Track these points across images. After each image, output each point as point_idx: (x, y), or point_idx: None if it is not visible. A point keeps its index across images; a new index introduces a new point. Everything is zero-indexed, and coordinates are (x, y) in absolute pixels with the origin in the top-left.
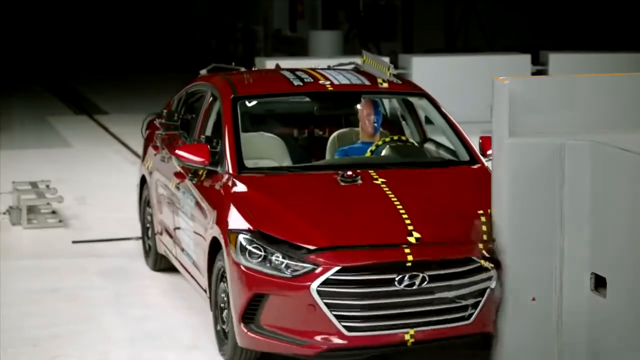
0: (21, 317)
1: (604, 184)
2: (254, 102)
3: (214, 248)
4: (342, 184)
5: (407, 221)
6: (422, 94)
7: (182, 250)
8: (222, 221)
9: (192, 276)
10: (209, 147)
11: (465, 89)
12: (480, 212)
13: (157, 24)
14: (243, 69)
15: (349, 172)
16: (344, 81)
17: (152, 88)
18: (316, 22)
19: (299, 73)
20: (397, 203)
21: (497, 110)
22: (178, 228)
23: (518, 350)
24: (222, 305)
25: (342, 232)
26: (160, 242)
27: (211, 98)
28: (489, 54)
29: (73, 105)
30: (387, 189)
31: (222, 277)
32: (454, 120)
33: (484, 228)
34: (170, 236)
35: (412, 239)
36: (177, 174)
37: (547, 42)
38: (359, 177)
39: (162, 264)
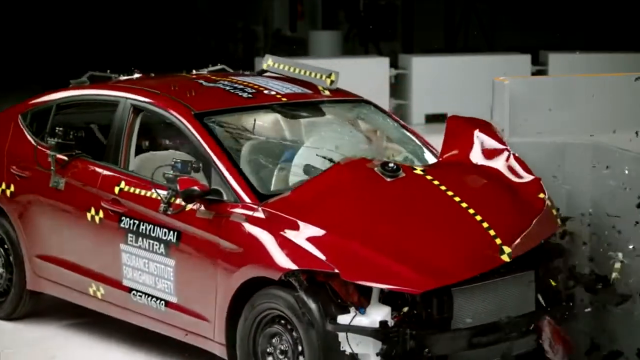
0: None
1: (603, 184)
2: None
3: (241, 293)
4: (388, 179)
5: (491, 232)
6: (365, 101)
7: (134, 292)
8: (266, 261)
9: (164, 322)
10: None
11: (465, 89)
12: (541, 195)
13: (157, 23)
14: (123, 77)
15: (391, 164)
16: (287, 90)
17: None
18: (316, 22)
19: (226, 82)
20: (465, 205)
21: (497, 110)
22: (119, 265)
23: None
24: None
25: (437, 263)
26: (48, 281)
27: (133, 115)
28: (489, 54)
29: None
30: (437, 182)
31: (264, 326)
32: (406, 125)
33: (554, 212)
34: (82, 274)
35: (505, 257)
36: (115, 203)
37: (547, 42)
38: (400, 168)
39: (27, 307)
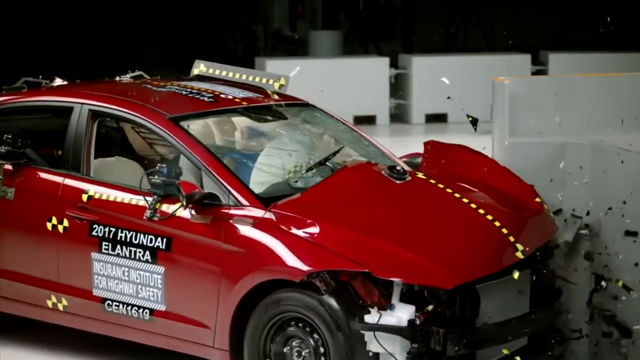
0: None
1: (603, 184)
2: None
3: (248, 299)
4: (397, 181)
5: (504, 230)
6: (311, 105)
7: (108, 302)
8: (284, 263)
9: (147, 331)
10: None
11: (465, 89)
12: (537, 199)
13: (157, 22)
14: (59, 82)
15: (398, 167)
16: (242, 95)
17: None
18: (316, 22)
19: (175, 87)
20: (474, 205)
21: (497, 110)
22: (92, 274)
23: None
24: None
25: (460, 260)
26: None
27: (92, 121)
28: (489, 54)
29: None
30: (442, 185)
31: (277, 329)
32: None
33: (551, 215)
34: (39, 285)
35: (519, 254)
36: (83, 210)
37: (547, 42)
38: (407, 172)
39: None
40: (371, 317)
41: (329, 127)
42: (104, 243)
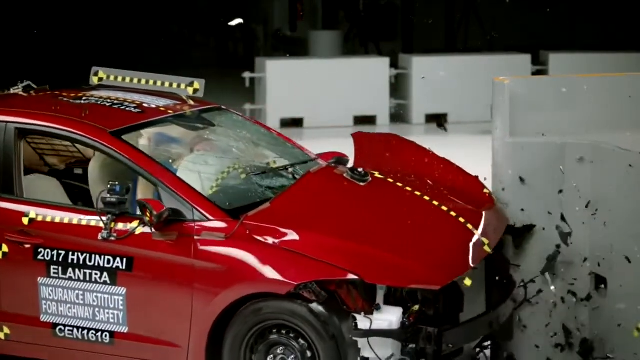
0: None
1: (603, 184)
2: None
3: (222, 317)
4: (361, 183)
5: (469, 226)
6: (222, 108)
7: (60, 327)
8: (266, 276)
9: (107, 354)
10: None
11: (465, 89)
12: (485, 191)
13: (156, 22)
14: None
15: (359, 169)
16: (163, 103)
17: None
18: (316, 22)
19: (94, 99)
20: (437, 203)
21: (497, 110)
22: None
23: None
24: None
25: (440, 259)
26: None
27: (18, 140)
28: (489, 54)
29: None
30: (400, 184)
31: (255, 343)
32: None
33: (495, 197)
34: None
35: (487, 248)
36: (24, 235)
37: (547, 42)
38: (368, 173)
39: None
40: (364, 323)
41: (251, 130)
42: (52, 267)
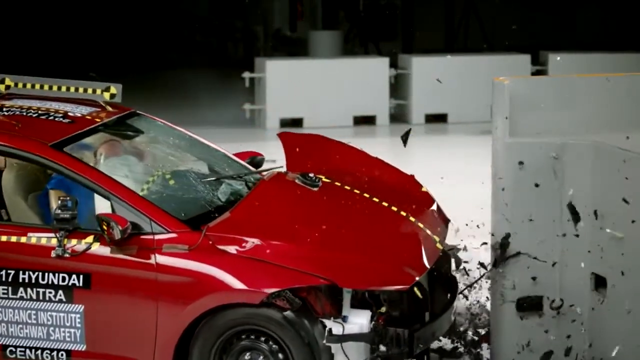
0: None
1: (604, 184)
2: None
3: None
4: (314, 189)
5: (420, 225)
6: (139, 113)
7: (10, 349)
8: (235, 286)
9: None
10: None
11: (465, 89)
12: (424, 189)
13: (156, 22)
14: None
15: (310, 174)
16: (87, 111)
17: (151, 87)
18: (316, 22)
19: (14, 109)
20: (386, 204)
21: (497, 110)
22: None
23: (516, 351)
24: None
25: (403, 259)
26: None
27: None
28: (489, 54)
29: None
30: (349, 187)
31: (222, 352)
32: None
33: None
34: None
35: (439, 246)
36: None
37: (547, 42)
38: (319, 178)
39: None
40: (337, 329)
41: (172, 134)
42: (1, 287)
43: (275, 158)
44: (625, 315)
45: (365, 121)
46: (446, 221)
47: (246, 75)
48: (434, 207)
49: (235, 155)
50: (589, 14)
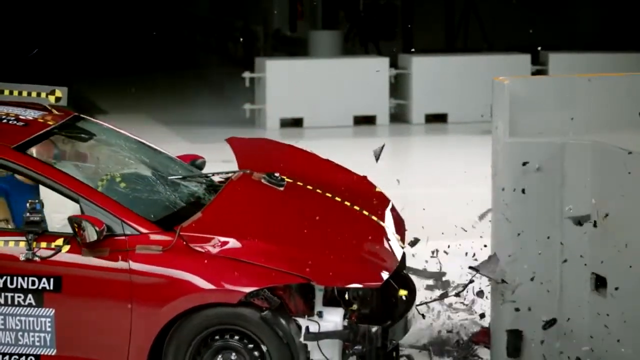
0: None
1: (604, 184)
2: None
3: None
4: (279, 188)
5: (382, 224)
6: (83, 117)
7: None
8: (211, 286)
9: None
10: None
11: (465, 89)
12: (377, 189)
13: (156, 22)
14: None
15: (276, 174)
16: (37, 114)
17: (151, 87)
18: (316, 22)
19: None
20: (348, 203)
21: (497, 110)
22: None
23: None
24: None
25: (372, 257)
26: None
27: None
28: (489, 54)
29: (72, 104)
30: (310, 187)
31: (197, 353)
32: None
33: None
34: None
35: (401, 244)
36: None
37: (547, 42)
38: (284, 178)
39: None
40: (314, 327)
41: (119, 137)
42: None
43: None
44: (625, 315)
45: (365, 121)
46: (402, 220)
47: (246, 75)
48: (390, 206)
49: (178, 157)
50: (589, 14)
